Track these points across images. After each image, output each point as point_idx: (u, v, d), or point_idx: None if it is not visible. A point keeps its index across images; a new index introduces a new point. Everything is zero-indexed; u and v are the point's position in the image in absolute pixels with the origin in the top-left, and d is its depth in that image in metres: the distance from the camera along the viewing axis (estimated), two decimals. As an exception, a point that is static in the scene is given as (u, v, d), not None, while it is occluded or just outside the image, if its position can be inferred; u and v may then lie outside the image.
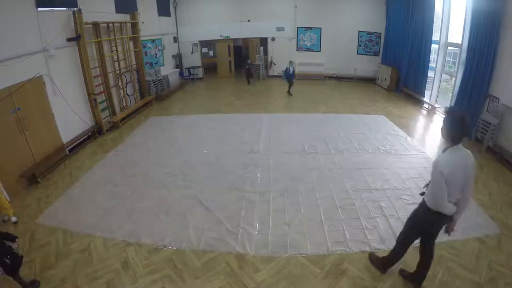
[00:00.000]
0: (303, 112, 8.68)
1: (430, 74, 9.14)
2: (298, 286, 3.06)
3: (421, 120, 8.14)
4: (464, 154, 2.44)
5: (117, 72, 8.12)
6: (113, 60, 7.98)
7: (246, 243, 3.63)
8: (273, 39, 13.17)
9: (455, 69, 7.55)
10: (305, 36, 13.00)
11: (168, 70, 11.79)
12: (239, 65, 14.79)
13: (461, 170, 2.40)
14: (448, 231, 2.72)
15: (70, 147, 6.28)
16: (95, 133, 7.08)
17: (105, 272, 3.27)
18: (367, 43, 12.71)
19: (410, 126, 7.56)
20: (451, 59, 8.53)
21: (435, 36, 8.66)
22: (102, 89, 7.49)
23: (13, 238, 3.00)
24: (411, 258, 3.34)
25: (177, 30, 12.92)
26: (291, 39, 13.07)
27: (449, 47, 8.20)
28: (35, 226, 4.04)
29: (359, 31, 12.54)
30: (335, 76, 13.18)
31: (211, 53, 14.88)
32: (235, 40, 13.88)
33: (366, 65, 12.72)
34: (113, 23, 7.74)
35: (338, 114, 8.40)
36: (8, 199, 4.59)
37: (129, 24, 8.77)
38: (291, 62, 10.34)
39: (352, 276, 3.16)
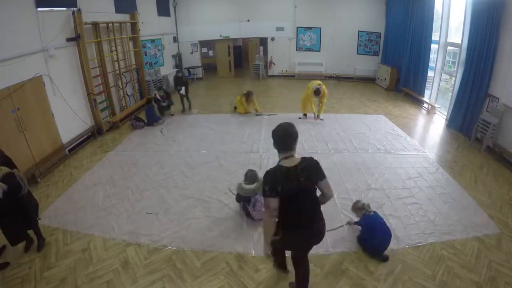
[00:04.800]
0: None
1: (430, 73, 9.15)
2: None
3: (420, 120, 8.14)
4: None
5: (117, 72, 8.12)
6: (113, 60, 7.98)
7: (246, 242, 3.64)
8: (272, 39, 13.17)
9: (455, 69, 7.55)
10: (305, 36, 13.00)
11: (167, 70, 11.79)
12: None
13: None
14: None
15: (70, 147, 6.27)
16: (95, 133, 7.07)
17: (105, 272, 3.27)
18: (366, 43, 12.71)
19: (409, 125, 7.56)
20: (451, 59, 8.53)
21: (435, 36, 8.66)
22: (101, 89, 7.48)
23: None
24: (410, 258, 3.35)
25: (176, 30, 12.92)
26: (291, 39, 13.07)
27: (448, 47, 8.20)
28: (35, 226, 4.04)
29: (358, 31, 12.54)
30: (334, 76, 13.18)
31: (210, 53, 14.88)
32: (235, 40, 13.87)
33: (366, 65, 12.72)
34: (112, 23, 7.74)
35: (337, 114, 8.40)
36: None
37: (128, 24, 8.77)
38: None
39: (352, 276, 3.16)
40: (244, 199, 3.97)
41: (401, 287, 3.01)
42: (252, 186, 3.87)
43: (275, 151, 2.28)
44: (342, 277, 3.15)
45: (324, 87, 7.42)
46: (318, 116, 7.79)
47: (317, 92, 7.28)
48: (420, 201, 4.35)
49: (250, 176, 3.98)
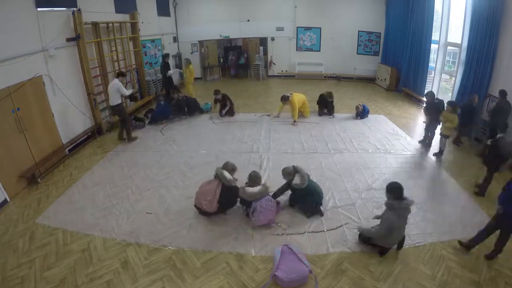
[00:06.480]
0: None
1: (430, 73, 9.15)
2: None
3: (420, 120, 8.13)
4: None
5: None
6: (113, 60, 7.97)
7: (246, 242, 3.64)
8: (272, 39, 13.17)
9: (455, 69, 7.55)
10: (305, 36, 12.99)
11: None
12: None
13: None
14: None
15: (70, 147, 6.27)
16: (95, 133, 7.07)
17: (105, 272, 3.28)
18: (366, 43, 12.71)
19: (409, 125, 7.56)
20: (451, 59, 8.54)
21: (435, 36, 8.66)
22: (101, 89, 7.48)
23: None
24: (410, 258, 3.35)
25: (176, 30, 12.92)
26: (291, 39, 13.07)
27: (448, 47, 8.21)
28: (35, 226, 4.04)
29: (358, 30, 12.54)
30: (334, 76, 13.18)
31: (211, 53, 14.84)
32: (235, 40, 13.86)
33: (366, 65, 12.73)
34: (112, 23, 7.73)
35: (337, 114, 8.39)
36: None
37: (128, 24, 8.76)
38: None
39: (352, 276, 3.16)
40: (246, 204, 3.87)
41: (401, 287, 3.01)
42: (255, 190, 3.80)
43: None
44: (342, 277, 3.15)
45: (293, 97, 7.76)
46: (294, 121, 7.75)
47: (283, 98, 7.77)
48: (420, 201, 4.34)
49: (254, 178, 3.92)
